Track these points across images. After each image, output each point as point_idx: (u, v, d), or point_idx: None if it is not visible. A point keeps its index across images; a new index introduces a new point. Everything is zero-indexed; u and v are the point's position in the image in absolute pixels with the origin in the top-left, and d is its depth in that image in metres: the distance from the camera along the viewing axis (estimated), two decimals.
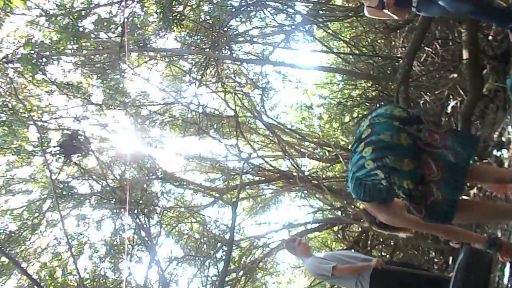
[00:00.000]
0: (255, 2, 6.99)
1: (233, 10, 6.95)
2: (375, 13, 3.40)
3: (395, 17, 3.34)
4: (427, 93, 6.54)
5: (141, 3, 6.62)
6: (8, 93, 6.42)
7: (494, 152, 4.50)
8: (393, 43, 7.96)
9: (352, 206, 7.61)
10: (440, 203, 2.14)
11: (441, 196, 2.12)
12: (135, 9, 6.68)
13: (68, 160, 7.12)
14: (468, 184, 3.93)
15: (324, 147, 9.03)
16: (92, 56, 6.96)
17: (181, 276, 8.33)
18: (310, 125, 11.00)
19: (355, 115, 8.84)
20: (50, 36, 6.02)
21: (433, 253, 6.83)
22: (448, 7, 3.12)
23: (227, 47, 7.39)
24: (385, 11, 3.26)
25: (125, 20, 5.88)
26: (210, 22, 7.24)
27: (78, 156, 7.37)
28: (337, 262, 3.51)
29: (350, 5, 3.50)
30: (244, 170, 8.12)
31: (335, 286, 5.23)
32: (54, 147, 7.01)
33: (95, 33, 6.29)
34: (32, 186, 7.71)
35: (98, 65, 7.00)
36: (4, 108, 6.35)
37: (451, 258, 5.65)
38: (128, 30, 6.16)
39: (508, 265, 3.35)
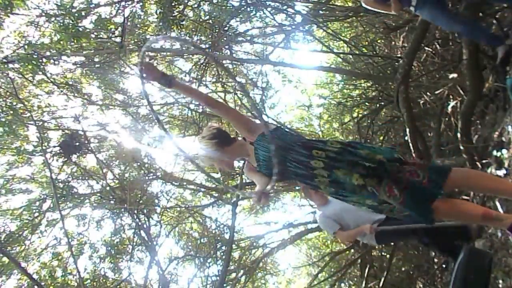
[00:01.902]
0: (255, 2, 6.99)
1: (233, 10, 6.95)
2: (371, 3, 3.42)
3: (392, 11, 3.35)
4: (427, 93, 6.53)
5: (141, 3, 6.61)
6: (8, 93, 6.42)
7: (494, 152, 4.49)
8: (393, 43, 7.96)
9: None
10: (423, 186, 2.10)
11: (427, 178, 2.10)
12: (135, 9, 6.68)
13: (68, 160, 7.12)
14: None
15: None
16: (92, 56, 6.96)
17: (181, 276, 8.35)
18: (310, 125, 11.00)
19: (355, 115, 8.84)
20: (50, 36, 6.02)
21: (433, 253, 6.83)
22: (442, 25, 3.22)
23: (227, 47, 7.39)
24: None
25: (125, 20, 5.88)
26: (210, 22, 7.24)
27: (78, 156, 7.38)
28: (341, 221, 3.75)
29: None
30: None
31: None
32: (54, 147, 7.02)
33: (95, 33, 6.29)
34: (32, 186, 7.71)
35: (98, 65, 7.00)
36: (5, 108, 6.35)
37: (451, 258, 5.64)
38: (128, 30, 6.16)
39: None
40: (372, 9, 3.58)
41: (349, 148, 2.23)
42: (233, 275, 7.83)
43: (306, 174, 2.27)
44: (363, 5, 3.51)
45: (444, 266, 6.50)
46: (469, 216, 2.25)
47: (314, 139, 2.42)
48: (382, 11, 3.56)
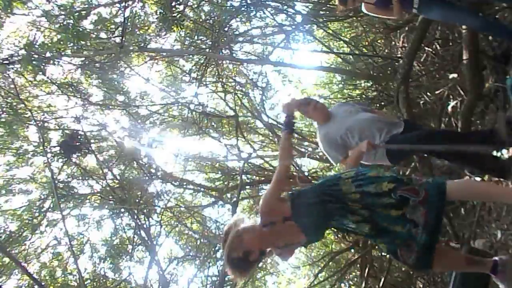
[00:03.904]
0: (255, 2, 6.99)
1: (233, 10, 6.95)
2: (373, 9, 3.40)
3: (394, 16, 3.34)
4: (427, 93, 6.53)
5: (142, 3, 6.62)
6: (8, 93, 6.42)
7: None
8: (393, 43, 7.96)
9: None
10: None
11: (424, 194, 2.20)
12: (136, 9, 6.68)
13: (68, 160, 7.13)
14: None
15: None
16: (92, 57, 6.95)
17: (181, 276, 8.35)
18: (310, 124, 11.00)
19: None
20: (50, 36, 6.02)
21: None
22: (455, 20, 3.15)
23: (227, 47, 7.39)
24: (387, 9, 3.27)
25: (125, 20, 5.88)
26: (210, 22, 7.24)
27: (78, 156, 7.38)
28: (346, 143, 3.14)
29: (349, 7, 3.45)
30: (244, 170, 8.11)
31: None
32: (54, 147, 7.02)
33: (95, 33, 6.29)
34: (32, 186, 7.71)
35: (98, 65, 7.00)
36: (5, 108, 6.35)
37: None
38: (129, 30, 6.16)
39: None
40: (374, 15, 3.56)
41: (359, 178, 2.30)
42: None
43: (348, 222, 2.28)
44: (365, 11, 3.48)
45: None
46: (456, 265, 2.48)
47: (330, 186, 2.36)
48: (384, 16, 3.54)
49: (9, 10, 5.39)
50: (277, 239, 2.27)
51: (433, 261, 2.22)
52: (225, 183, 9.20)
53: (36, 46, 5.59)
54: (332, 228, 2.44)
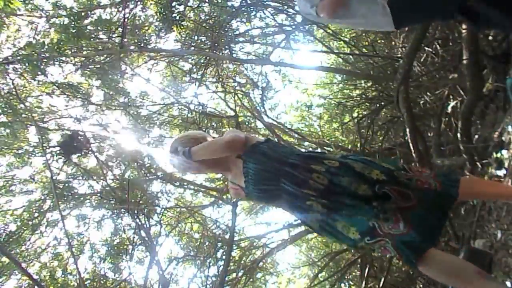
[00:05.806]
0: (255, 2, 7.00)
1: (233, 10, 6.96)
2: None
3: None
4: (427, 93, 6.54)
5: (142, 4, 6.62)
6: (8, 94, 6.42)
7: (494, 152, 4.50)
8: (393, 43, 7.96)
9: None
10: (435, 191, 1.89)
11: (438, 185, 1.91)
12: (136, 10, 6.68)
13: (68, 160, 7.13)
14: None
15: (324, 147, 9.04)
16: (92, 57, 6.96)
17: (181, 276, 8.36)
18: (310, 125, 11.00)
19: (355, 115, 8.85)
20: (50, 36, 6.02)
21: None
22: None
23: (227, 47, 7.40)
24: None
25: (125, 20, 5.88)
26: (210, 23, 7.25)
27: (78, 156, 7.38)
28: None
29: None
30: None
31: None
32: (54, 147, 7.02)
33: (95, 33, 6.30)
34: (32, 187, 7.72)
35: (98, 65, 7.00)
36: (5, 109, 6.35)
37: None
38: (129, 30, 6.17)
39: None
40: None
41: (349, 159, 2.01)
42: (233, 275, 7.83)
43: (299, 195, 1.99)
44: None
45: None
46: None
47: (310, 153, 2.17)
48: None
49: (9, 10, 5.39)
50: (217, 166, 2.30)
51: (420, 260, 1.80)
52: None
53: (36, 46, 5.59)
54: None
